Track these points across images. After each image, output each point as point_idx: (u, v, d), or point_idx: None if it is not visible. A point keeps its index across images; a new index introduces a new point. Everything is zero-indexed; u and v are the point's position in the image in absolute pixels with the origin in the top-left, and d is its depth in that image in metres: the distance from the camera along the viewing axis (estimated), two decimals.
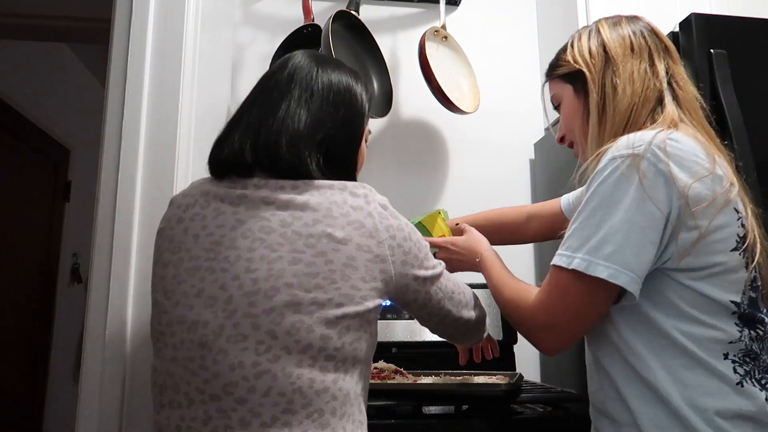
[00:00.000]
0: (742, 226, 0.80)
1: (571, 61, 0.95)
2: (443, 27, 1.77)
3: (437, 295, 0.93)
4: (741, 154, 1.18)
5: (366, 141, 1.00)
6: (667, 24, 1.39)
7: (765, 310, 0.82)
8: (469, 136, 1.91)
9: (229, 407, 0.76)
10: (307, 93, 0.89)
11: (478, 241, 1.11)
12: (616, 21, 0.96)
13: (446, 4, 1.82)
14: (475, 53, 1.85)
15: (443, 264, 0.95)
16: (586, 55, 0.93)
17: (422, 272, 0.89)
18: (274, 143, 0.84)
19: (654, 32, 0.94)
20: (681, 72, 0.91)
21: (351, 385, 0.81)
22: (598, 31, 0.95)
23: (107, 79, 1.26)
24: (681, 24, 1.32)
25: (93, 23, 2.39)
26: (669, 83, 0.89)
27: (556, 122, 1.06)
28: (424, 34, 1.68)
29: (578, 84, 0.94)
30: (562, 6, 1.83)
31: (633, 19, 0.96)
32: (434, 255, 1.19)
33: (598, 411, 0.87)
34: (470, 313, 1.00)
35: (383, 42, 1.78)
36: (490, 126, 1.91)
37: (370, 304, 0.82)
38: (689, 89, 0.90)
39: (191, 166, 1.28)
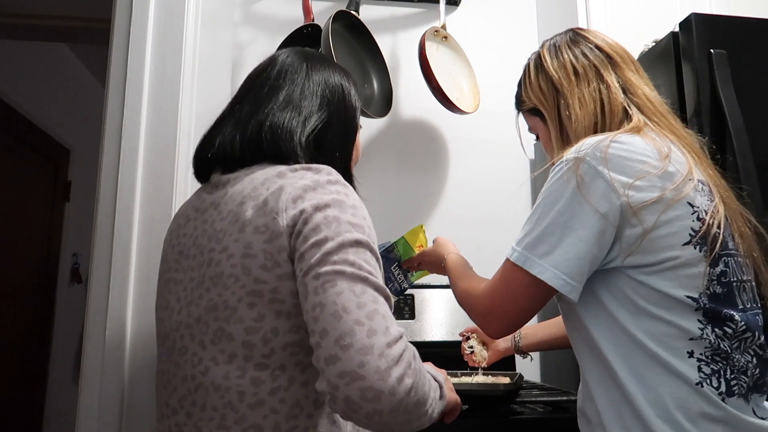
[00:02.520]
0: (698, 219, 0.80)
1: (527, 101, 1.00)
2: (443, 27, 1.77)
3: (316, 296, 0.65)
4: (741, 154, 1.18)
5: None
6: (667, 24, 1.39)
7: (742, 306, 0.80)
8: (469, 136, 1.91)
9: (182, 421, 0.74)
10: (298, 89, 0.86)
11: (443, 245, 1.19)
12: (557, 46, 0.98)
13: (446, 4, 1.82)
14: (475, 53, 1.85)
15: (369, 270, 0.68)
16: (538, 93, 0.97)
17: (310, 251, 0.68)
18: (260, 136, 0.81)
19: (597, 47, 0.95)
20: (630, 77, 0.92)
21: (305, 395, 0.72)
22: (542, 64, 0.98)
23: (107, 79, 1.26)
24: (681, 24, 1.32)
25: (93, 23, 2.39)
26: (624, 93, 0.90)
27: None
28: (424, 34, 1.68)
29: (543, 116, 0.98)
30: (562, 6, 1.83)
31: (574, 39, 0.97)
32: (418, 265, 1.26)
33: (579, 410, 0.88)
34: (382, 367, 0.61)
35: (383, 42, 1.78)
36: (490, 126, 1.91)
37: (285, 294, 0.70)
38: (641, 92, 0.91)
39: (191, 166, 1.28)
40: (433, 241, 1.24)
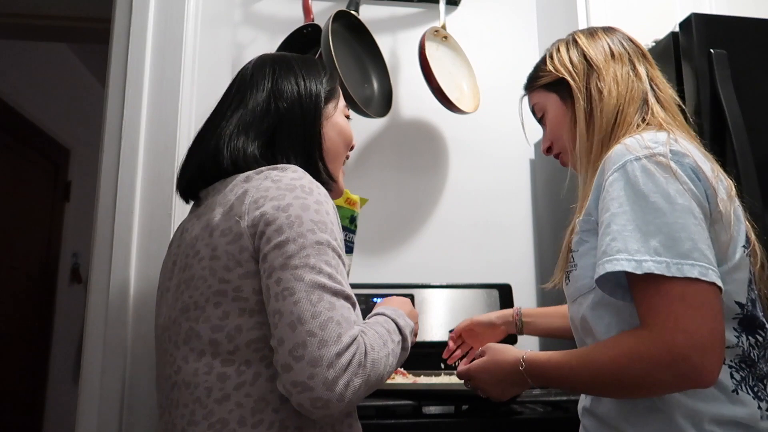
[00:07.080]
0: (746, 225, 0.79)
1: (553, 71, 0.96)
2: (443, 27, 1.77)
3: (276, 303, 0.69)
4: (741, 154, 1.18)
5: (348, 117, 0.98)
6: (667, 24, 1.39)
7: (762, 314, 0.79)
8: (469, 136, 1.91)
9: (167, 420, 0.79)
10: (248, 110, 0.88)
11: (507, 350, 0.92)
12: (592, 32, 0.97)
13: (446, 4, 1.82)
14: (475, 53, 1.85)
15: (329, 273, 0.71)
16: (568, 65, 0.94)
17: (272, 253, 0.71)
18: (215, 151, 0.85)
19: (630, 40, 0.95)
20: (659, 76, 0.93)
21: (270, 390, 0.73)
22: (576, 42, 0.96)
23: (107, 79, 1.26)
24: (681, 24, 1.32)
25: (93, 23, 2.39)
26: (650, 86, 0.90)
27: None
28: (424, 34, 1.68)
29: (563, 91, 0.95)
30: (562, 6, 1.83)
31: (608, 29, 0.98)
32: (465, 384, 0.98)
33: (587, 411, 0.86)
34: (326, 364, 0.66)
35: (383, 42, 1.78)
36: (490, 126, 1.91)
37: (248, 293, 0.74)
38: (668, 92, 0.91)
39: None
40: (484, 353, 0.95)
